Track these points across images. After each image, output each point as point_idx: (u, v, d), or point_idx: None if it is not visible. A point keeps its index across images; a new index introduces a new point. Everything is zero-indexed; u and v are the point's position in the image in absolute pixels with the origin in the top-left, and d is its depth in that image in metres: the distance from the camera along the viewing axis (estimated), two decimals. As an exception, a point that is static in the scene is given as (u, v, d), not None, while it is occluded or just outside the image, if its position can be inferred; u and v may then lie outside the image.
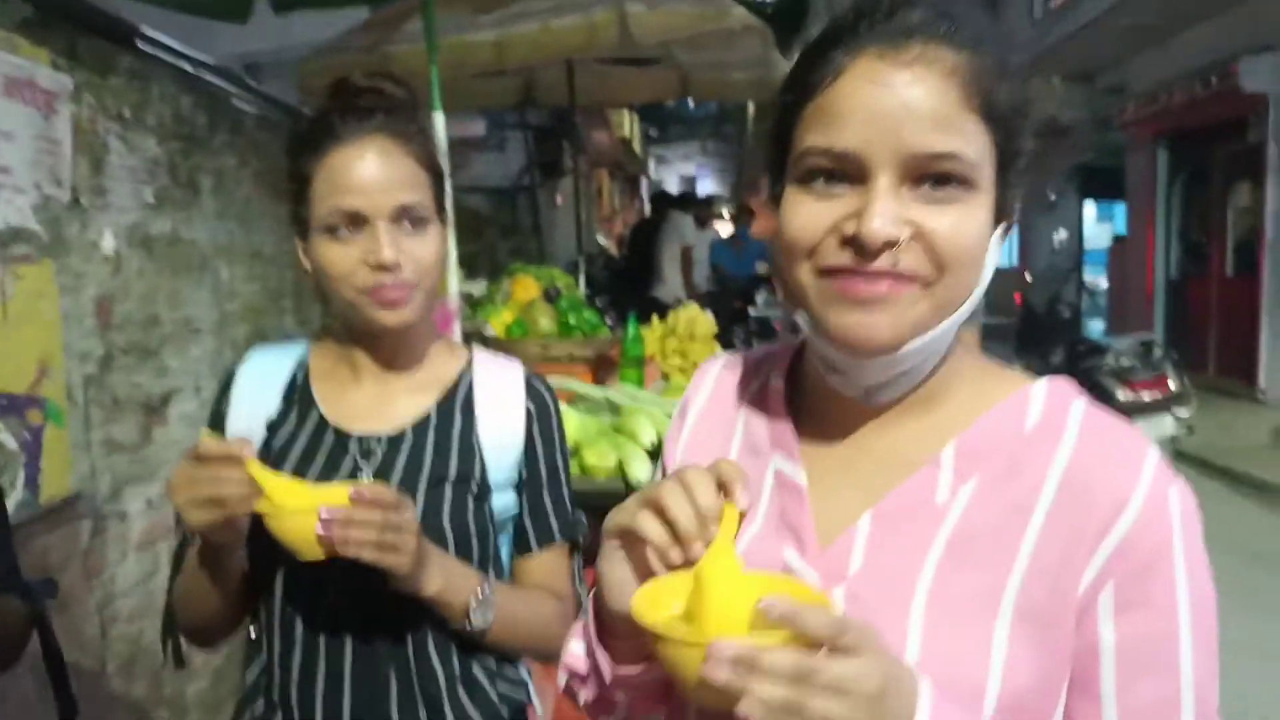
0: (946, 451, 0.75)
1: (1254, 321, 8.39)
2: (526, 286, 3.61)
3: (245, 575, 1.17)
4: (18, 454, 1.86)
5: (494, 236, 8.01)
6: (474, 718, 1.17)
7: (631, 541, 0.71)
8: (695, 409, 0.92)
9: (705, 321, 4.46)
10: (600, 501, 3.23)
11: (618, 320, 3.92)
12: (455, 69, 3.75)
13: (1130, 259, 11.18)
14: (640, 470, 2.59)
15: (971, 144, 0.68)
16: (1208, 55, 8.70)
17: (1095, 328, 11.96)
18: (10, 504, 1.80)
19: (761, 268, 8.17)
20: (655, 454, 2.69)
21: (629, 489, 2.61)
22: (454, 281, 2.78)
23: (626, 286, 8.09)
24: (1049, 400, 0.76)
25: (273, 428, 1.21)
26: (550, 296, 3.54)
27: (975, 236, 0.70)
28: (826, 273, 0.71)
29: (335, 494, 1.01)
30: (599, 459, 2.62)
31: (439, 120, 2.66)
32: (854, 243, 0.68)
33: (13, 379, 1.85)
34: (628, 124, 16.44)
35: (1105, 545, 0.69)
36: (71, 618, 2.07)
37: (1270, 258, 8.28)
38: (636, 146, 19.75)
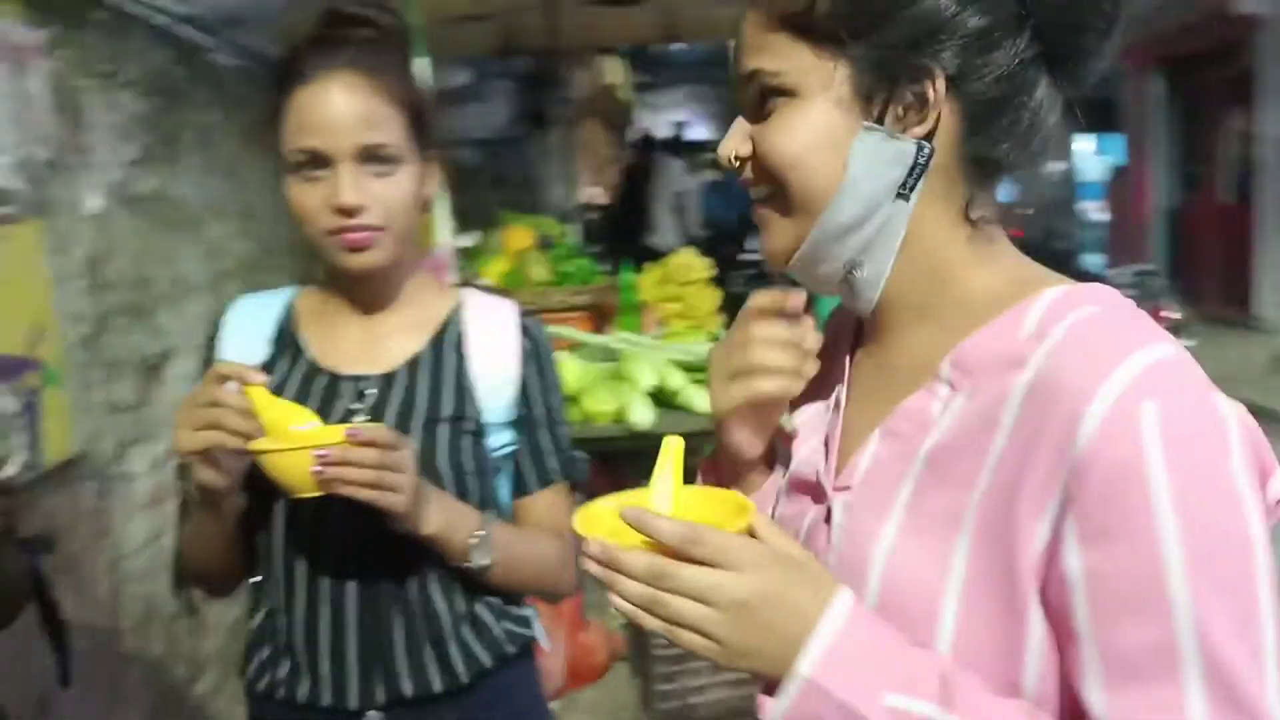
0: (945, 363, 0.72)
1: (1249, 248, 8.35)
2: (519, 236, 3.59)
3: (243, 521, 1.16)
4: (18, 416, 1.85)
5: (483, 188, 7.93)
6: (480, 657, 1.18)
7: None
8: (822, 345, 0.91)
9: (700, 266, 4.43)
10: (601, 448, 3.25)
11: (613, 268, 3.90)
12: (435, 13, 3.67)
13: (1127, 189, 11.10)
14: (640, 415, 2.59)
15: (778, 58, 0.71)
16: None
17: (1094, 260, 11.93)
18: (13, 466, 1.80)
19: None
20: (655, 398, 2.69)
21: (630, 434, 2.62)
22: (446, 233, 2.75)
23: (620, 234, 8.04)
24: (1053, 306, 0.68)
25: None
26: (544, 245, 3.52)
27: (801, 142, 0.71)
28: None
29: (331, 432, 1.00)
30: (598, 405, 2.63)
31: (424, 66, 2.61)
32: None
33: (6, 341, 1.83)
34: (615, 71, 16.20)
35: (1065, 465, 0.60)
36: (82, 578, 2.08)
37: (1263, 184, 8.22)
38: (625, 94, 19.47)
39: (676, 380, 2.69)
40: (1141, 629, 0.59)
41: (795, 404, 0.88)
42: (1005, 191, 0.77)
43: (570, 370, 2.73)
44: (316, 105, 1.08)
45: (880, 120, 0.70)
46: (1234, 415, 0.62)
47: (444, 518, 1.09)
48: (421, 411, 1.16)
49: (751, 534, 0.65)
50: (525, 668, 1.25)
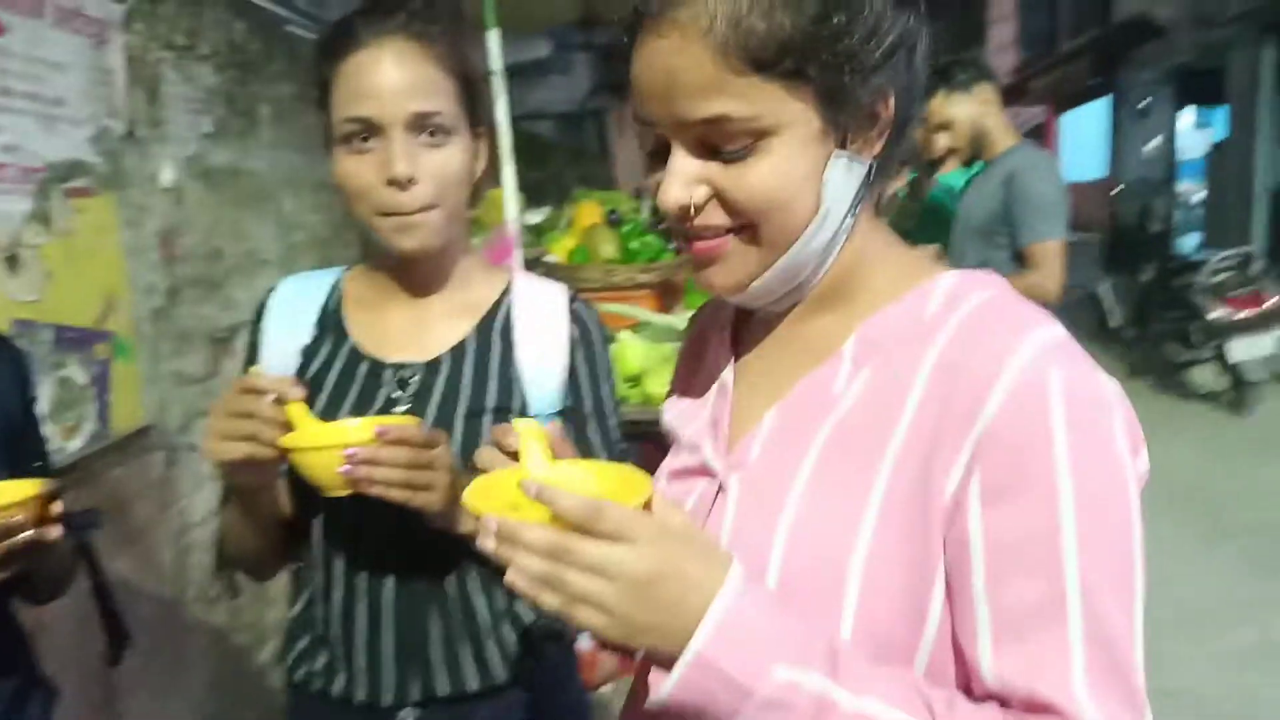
0: (849, 341, 0.75)
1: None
2: (589, 212, 3.54)
3: (287, 508, 1.15)
4: (88, 387, 1.89)
5: (561, 162, 7.92)
6: (518, 656, 1.15)
7: None
8: (685, 343, 0.98)
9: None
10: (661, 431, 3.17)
11: (684, 244, 3.83)
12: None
13: (1229, 167, 10.55)
14: (706, 397, 2.54)
15: (744, 100, 0.67)
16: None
17: (1189, 242, 11.41)
18: (82, 436, 1.84)
19: None
20: (721, 380, 2.64)
21: (694, 416, 2.57)
22: (513, 208, 2.73)
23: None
24: (954, 289, 0.74)
25: (306, 356, 1.17)
26: (613, 221, 3.47)
27: (784, 181, 0.69)
28: (684, 237, 0.75)
29: (361, 429, 0.97)
30: (660, 386, 2.57)
31: (493, 38, 2.58)
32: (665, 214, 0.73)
33: (79, 313, 1.87)
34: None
35: (973, 431, 0.65)
36: (148, 547, 2.13)
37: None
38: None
39: (743, 363, 2.62)
40: (1032, 585, 0.63)
41: (670, 400, 0.93)
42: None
43: (633, 350, 2.69)
44: (367, 72, 1.05)
45: (843, 145, 0.71)
46: (1116, 391, 0.68)
47: None
48: (465, 401, 1.13)
49: (647, 509, 0.65)
50: (563, 666, 1.22)
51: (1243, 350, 5.79)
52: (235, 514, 1.13)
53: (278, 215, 2.80)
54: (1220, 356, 6.00)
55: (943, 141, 3.07)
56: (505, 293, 1.21)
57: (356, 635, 1.13)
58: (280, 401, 0.97)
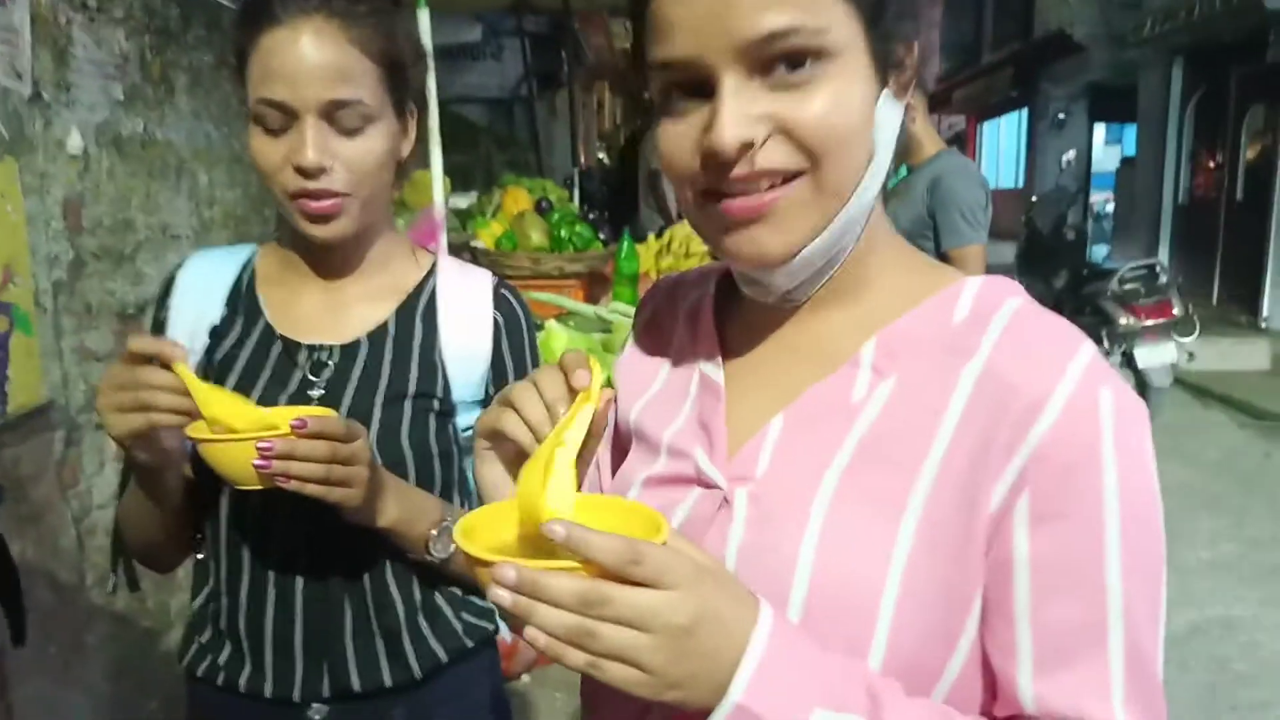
0: (867, 347, 0.70)
1: (1261, 249, 8.27)
2: (517, 198, 3.51)
3: (190, 495, 1.10)
4: (-17, 361, 1.79)
5: (489, 148, 7.83)
6: (436, 649, 1.12)
7: (500, 441, 0.71)
8: (638, 327, 0.90)
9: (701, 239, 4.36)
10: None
11: (613, 236, 3.83)
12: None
13: (1139, 182, 10.97)
14: (631, 388, 2.54)
15: (811, 11, 0.61)
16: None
17: (1100, 251, 11.82)
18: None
19: None
20: (647, 372, 2.63)
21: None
22: (439, 192, 2.68)
23: (622, 203, 7.92)
24: (980, 297, 0.69)
25: (216, 336, 1.12)
26: (542, 209, 3.44)
27: (845, 113, 0.63)
28: (708, 196, 0.66)
29: (276, 419, 0.92)
30: (589, 376, 2.57)
31: (424, 18, 2.53)
32: (713, 157, 0.63)
33: (-26, 283, 1.77)
34: (630, 33, 16.00)
35: (1022, 450, 0.62)
36: (47, 529, 2.03)
37: (1281, 183, 8.12)
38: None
39: (668, 356, 2.63)
40: (1076, 607, 0.62)
41: (630, 396, 0.84)
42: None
43: (558, 339, 2.67)
44: (283, 52, 0.99)
45: (884, 84, 0.66)
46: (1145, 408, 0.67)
47: (402, 509, 1.02)
48: (383, 387, 1.09)
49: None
50: (483, 661, 1.19)
51: (1149, 356, 6.01)
52: (136, 499, 1.07)
53: (192, 188, 2.70)
54: (1128, 362, 6.23)
55: None
56: (429, 276, 1.17)
57: (265, 628, 1.08)
58: (165, 365, 0.92)
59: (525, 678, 2.87)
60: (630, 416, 0.83)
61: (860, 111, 0.64)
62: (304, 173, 1.00)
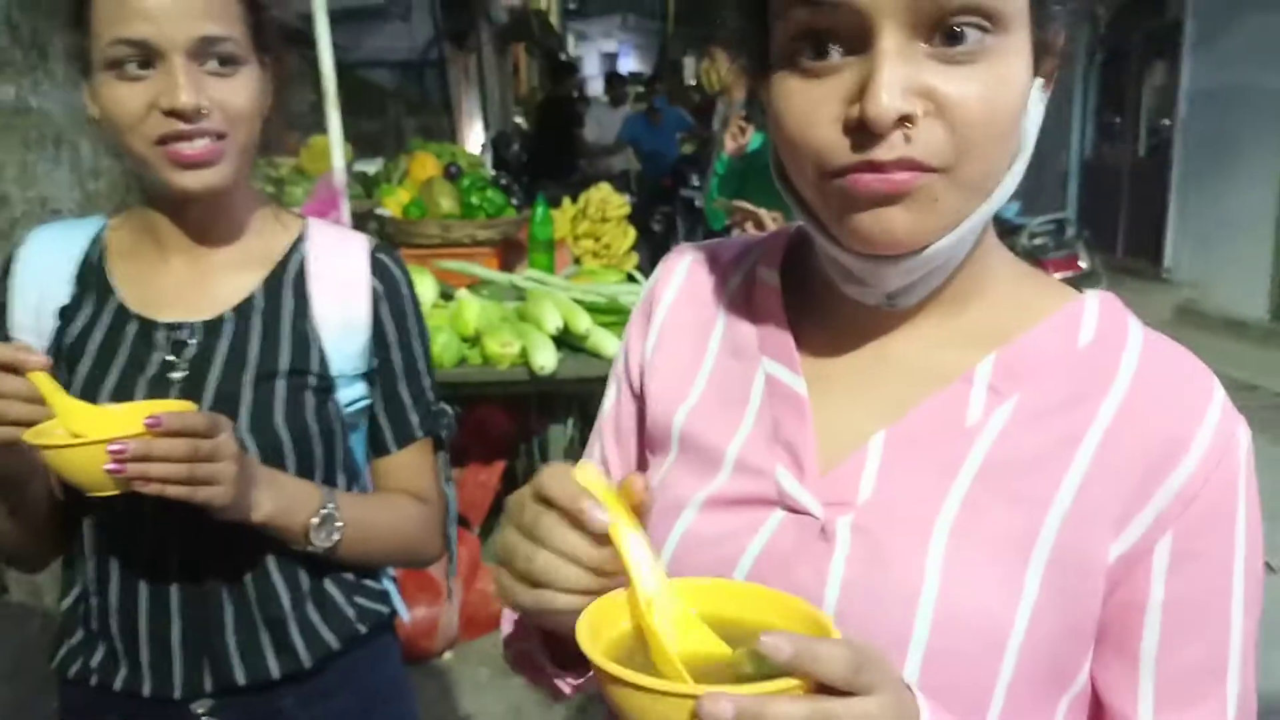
0: (983, 366, 0.64)
1: (1163, 201, 8.53)
2: (425, 164, 3.41)
3: (57, 494, 1.02)
4: None
5: (399, 113, 7.62)
6: (327, 638, 1.06)
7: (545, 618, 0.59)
8: (664, 305, 0.78)
9: (618, 203, 4.31)
10: (504, 391, 3.13)
11: (528, 201, 3.75)
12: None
13: (1046, 138, 11.20)
14: (545, 358, 2.48)
15: None
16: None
17: (1012, 209, 12.09)
18: None
19: (687, 146, 7.91)
20: (560, 341, 2.58)
21: (533, 377, 2.51)
22: (340, 158, 2.57)
23: (538, 167, 7.81)
24: (1103, 318, 0.65)
25: (65, 317, 1.03)
26: (452, 174, 3.34)
27: (1010, 99, 0.56)
28: (834, 173, 0.57)
29: (128, 418, 0.84)
30: (501, 347, 2.51)
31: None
32: (859, 128, 0.55)
33: None
34: (543, -5, 15.75)
35: (1164, 489, 0.60)
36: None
37: (1181, 138, 8.37)
38: (554, 20, 18.94)
39: (583, 323, 2.58)
40: (1202, 649, 0.62)
41: (670, 393, 0.74)
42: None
43: (470, 309, 2.61)
44: None
45: (1037, 72, 0.60)
46: None
47: (277, 501, 0.96)
48: (253, 365, 1.02)
49: None
50: (380, 645, 1.14)
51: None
52: None
53: (73, 160, 2.54)
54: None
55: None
56: (298, 242, 1.09)
57: (139, 624, 1.01)
58: (20, 373, 0.84)
59: (448, 655, 2.82)
60: (675, 420, 0.73)
61: (1020, 99, 0.57)
62: (178, 115, 0.91)
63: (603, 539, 0.54)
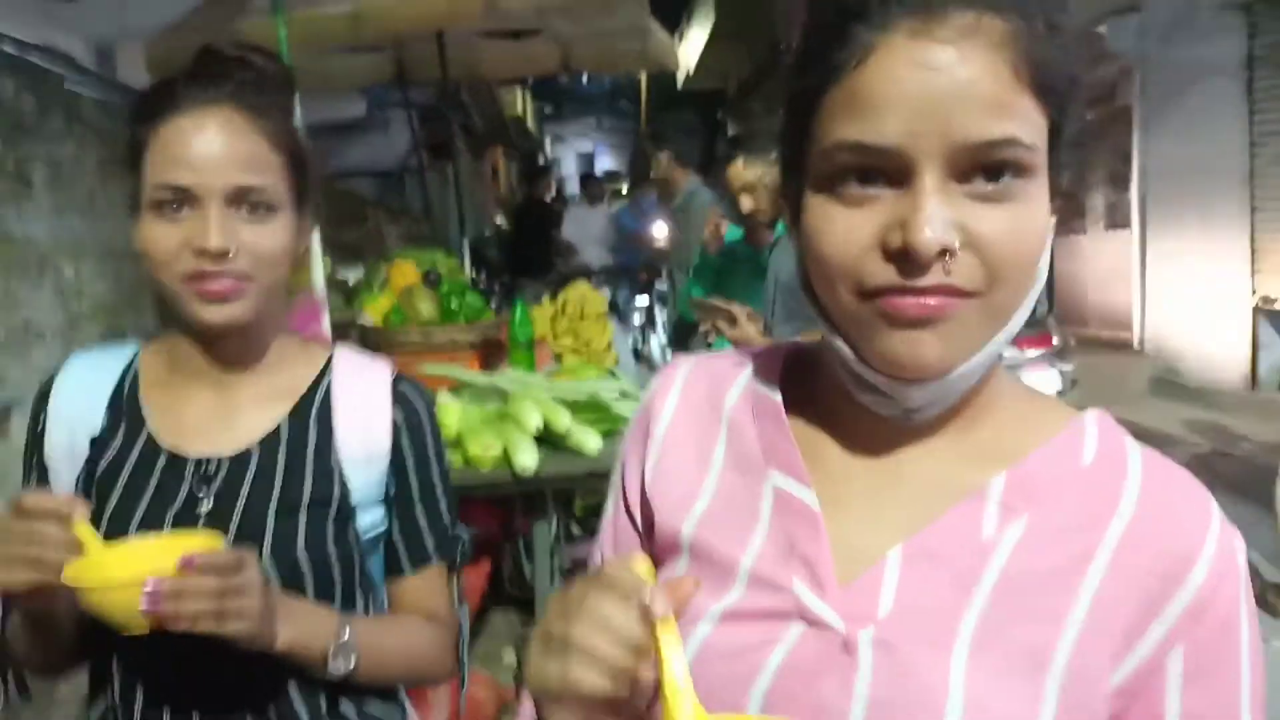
0: (995, 483, 0.66)
1: (1128, 275, 8.71)
2: (404, 272, 3.47)
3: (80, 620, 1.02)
4: None
5: (381, 221, 7.77)
6: None
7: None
8: (663, 419, 0.79)
9: (596, 299, 4.38)
10: (487, 493, 3.12)
11: (507, 300, 3.81)
12: (311, 43, 3.57)
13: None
14: (526, 458, 2.50)
15: (1028, 125, 0.59)
16: (1079, 15, 8.93)
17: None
18: None
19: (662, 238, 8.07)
20: (541, 439, 2.60)
21: (515, 478, 2.53)
22: (319, 271, 2.63)
23: (518, 267, 7.95)
24: (1102, 437, 0.69)
25: (97, 445, 1.06)
26: (431, 281, 3.41)
27: (1035, 236, 0.61)
28: (869, 294, 0.61)
29: (160, 554, 0.88)
30: (483, 449, 2.53)
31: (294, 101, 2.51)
32: (901, 256, 0.59)
33: None
34: (520, 102, 16.18)
35: (1174, 605, 0.63)
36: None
37: (1140, 213, 8.60)
38: (531, 125, 19.43)
39: (564, 421, 2.61)
40: None
41: (675, 503, 0.75)
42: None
43: (451, 413, 2.63)
44: (189, 138, 0.98)
45: (1052, 212, 0.65)
46: None
47: (297, 629, 0.97)
48: (276, 498, 1.05)
49: None
50: None
51: (1035, 383, 6.27)
52: (24, 630, 1.01)
53: (57, 283, 2.60)
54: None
55: (746, 204, 3.22)
56: (323, 373, 1.13)
57: None
58: (63, 521, 0.87)
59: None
60: (684, 529, 0.73)
61: (1043, 236, 0.62)
62: (205, 255, 0.97)
63: (647, 625, 0.57)
